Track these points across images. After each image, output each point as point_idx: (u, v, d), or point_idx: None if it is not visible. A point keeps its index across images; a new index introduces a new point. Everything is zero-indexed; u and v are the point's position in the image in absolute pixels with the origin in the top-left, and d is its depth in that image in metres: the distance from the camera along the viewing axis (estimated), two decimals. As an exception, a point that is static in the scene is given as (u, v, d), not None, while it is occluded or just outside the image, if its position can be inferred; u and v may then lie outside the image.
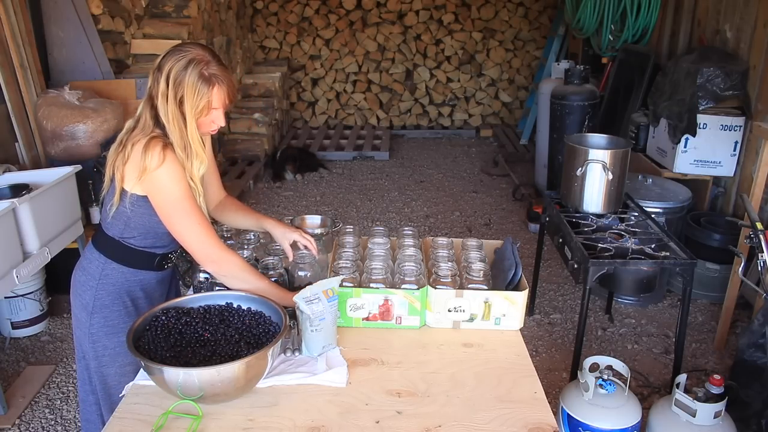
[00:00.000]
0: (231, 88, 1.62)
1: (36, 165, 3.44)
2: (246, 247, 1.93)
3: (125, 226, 1.69)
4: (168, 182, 1.58)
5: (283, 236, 1.89)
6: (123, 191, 1.63)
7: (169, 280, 1.90)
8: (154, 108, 1.60)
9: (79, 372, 1.84)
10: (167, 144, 1.58)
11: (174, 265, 1.85)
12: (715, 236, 3.50)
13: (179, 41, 4.60)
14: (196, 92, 1.55)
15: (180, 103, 1.57)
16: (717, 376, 2.11)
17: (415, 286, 1.76)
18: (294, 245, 1.89)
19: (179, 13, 4.99)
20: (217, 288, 1.73)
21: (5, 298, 3.14)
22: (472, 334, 1.76)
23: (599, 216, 2.89)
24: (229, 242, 1.99)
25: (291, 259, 1.88)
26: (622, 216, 2.93)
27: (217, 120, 1.65)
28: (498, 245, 2.08)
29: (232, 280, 1.66)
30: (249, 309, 1.61)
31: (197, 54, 1.57)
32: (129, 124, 1.64)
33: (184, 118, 1.58)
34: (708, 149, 3.73)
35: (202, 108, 1.58)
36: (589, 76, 4.58)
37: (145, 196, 1.62)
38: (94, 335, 1.74)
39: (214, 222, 1.90)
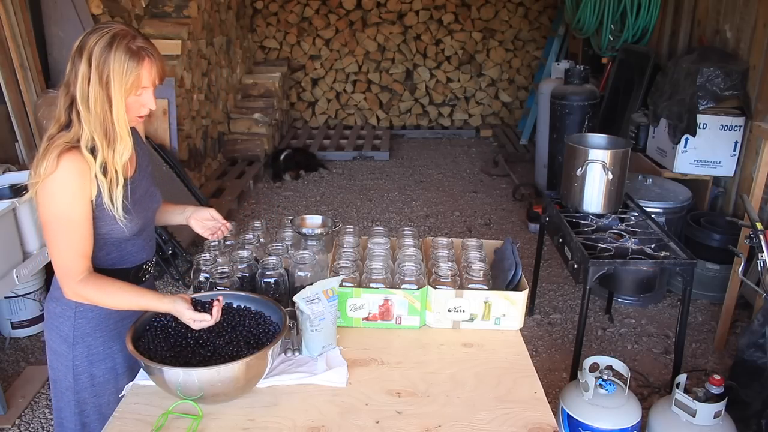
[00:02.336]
0: (161, 63, 1.49)
1: (36, 165, 3.44)
2: (246, 247, 1.93)
3: None
4: (54, 193, 1.42)
5: (200, 211, 1.82)
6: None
7: (152, 288, 1.77)
8: (69, 95, 1.46)
9: (58, 409, 1.69)
10: (68, 149, 1.42)
11: (174, 266, 1.81)
12: (715, 236, 3.50)
13: (178, 41, 4.61)
14: (124, 69, 1.41)
15: (106, 85, 1.42)
16: (717, 376, 2.11)
17: (415, 286, 1.76)
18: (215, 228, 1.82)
19: (179, 13, 4.99)
20: (217, 288, 1.72)
21: (5, 298, 3.14)
22: (472, 334, 1.76)
23: (599, 216, 2.89)
24: (228, 242, 1.99)
25: (219, 229, 1.81)
26: (622, 216, 2.93)
27: (147, 102, 1.51)
28: (498, 245, 2.08)
29: (101, 304, 1.52)
30: (249, 309, 1.61)
31: (120, 29, 1.44)
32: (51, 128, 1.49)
33: (110, 101, 1.43)
34: (708, 149, 3.73)
35: (131, 85, 1.44)
36: (589, 76, 4.58)
37: None
38: (78, 367, 1.62)
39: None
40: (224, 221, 1.84)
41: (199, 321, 1.48)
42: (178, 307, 1.48)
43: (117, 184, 1.49)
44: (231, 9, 6.30)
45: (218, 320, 1.51)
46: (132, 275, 1.64)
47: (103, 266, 1.57)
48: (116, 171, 1.48)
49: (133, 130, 1.62)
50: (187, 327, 1.52)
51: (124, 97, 1.45)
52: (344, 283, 1.76)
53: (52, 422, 2.67)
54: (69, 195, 1.43)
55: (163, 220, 1.87)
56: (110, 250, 1.58)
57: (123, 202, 1.51)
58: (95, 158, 1.45)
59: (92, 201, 1.47)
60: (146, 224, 1.65)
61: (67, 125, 1.47)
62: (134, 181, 1.58)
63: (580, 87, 4.43)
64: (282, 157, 5.97)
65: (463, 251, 1.99)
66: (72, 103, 1.46)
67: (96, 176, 1.45)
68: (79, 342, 1.61)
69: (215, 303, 1.51)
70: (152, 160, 1.76)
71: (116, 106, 1.44)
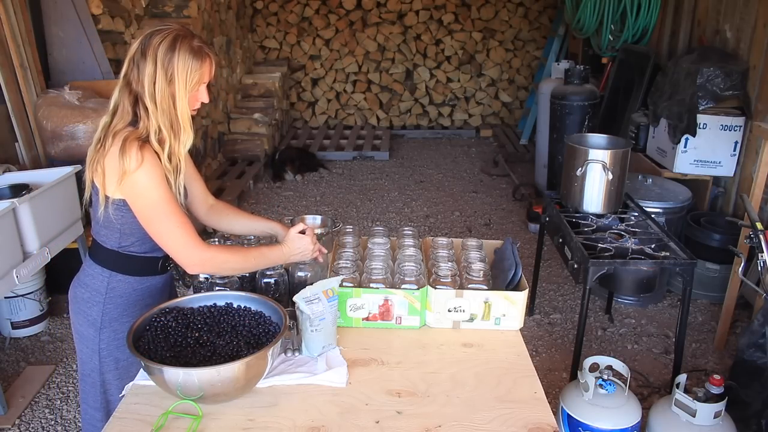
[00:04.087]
0: (217, 60, 1.62)
1: (36, 165, 3.44)
2: (246, 247, 1.93)
3: (120, 234, 1.64)
4: (148, 184, 1.53)
5: (290, 230, 1.82)
6: (107, 198, 1.57)
7: (171, 281, 1.87)
8: (133, 94, 1.55)
9: (84, 390, 1.78)
10: (144, 143, 1.53)
11: (174, 266, 1.83)
12: (715, 236, 3.50)
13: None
14: (189, 67, 1.53)
15: (170, 82, 1.53)
16: (717, 376, 2.11)
17: (415, 286, 1.76)
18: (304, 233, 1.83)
19: (179, 13, 4.99)
20: (217, 288, 1.73)
21: (5, 298, 3.14)
22: (472, 334, 1.76)
23: (599, 216, 2.89)
24: (228, 242, 1.99)
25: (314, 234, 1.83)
26: (622, 216, 2.93)
27: (202, 96, 1.63)
28: (498, 245, 2.08)
29: (222, 273, 1.69)
30: (249, 309, 1.61)
31: (180, 30, 1.54)
32: (104, 120, 1.59)
33: (174, 98, 1.54)
34: (708, 149, 3.73)
35: (195, 83, 1.56)
36: (589, 76, 4.58)
37: None
38: (104, 350, 1.70)
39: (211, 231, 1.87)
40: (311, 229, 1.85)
41: (317, 252, 1.77)
42: (294, 246, 1.72)
43: (180, 172, 1.61)
44: (231, 9, 6.30)
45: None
46: (161, 264, 1.74)
47: (138, 252, 1.67)
48: (180, 160, 1.60)
49: None
50: (187, 327, 1.53)
51: (187, 93, 1.55)
52: (344, 283, 1.76)
53: (53, 422, 2.68)
54: (160, 181, 1.54)
55: (244, 230, 1.93)
56: (146, 240, 1.65)
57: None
58: (163, 149, 1.56)
59: None
60: None
61: (134, 121, 1.56)
62: None
63: (580, 87, 4.43)
64: (277, 155, 5.97)
65: (463, 251, 1.99)
66: (137, 100, 1.55)
67: (164, 165, 1.56)
68: (106, 326, 1.68)
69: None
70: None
71: (180, 102, 1.55)
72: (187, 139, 1.60)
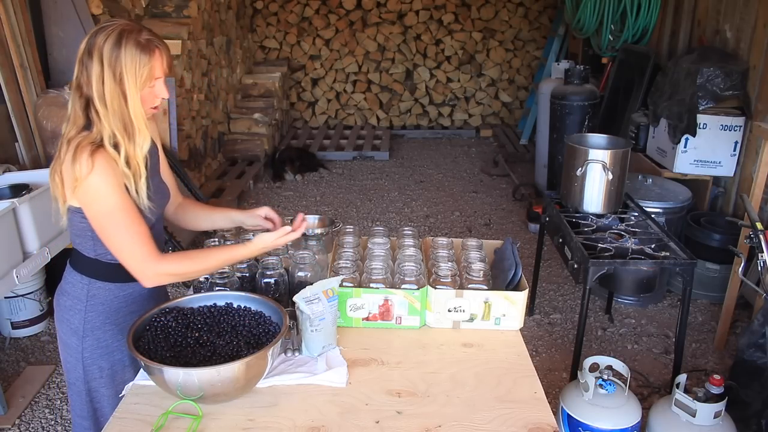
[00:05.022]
0: (168, 52, 1.53)
1: (36, 165, 3.44)
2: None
3: (93, 242, 1.58)
4: (99, 191, 1.46)
5: (253, 216, 1.83)
6: (69, 208, 1.54)
7: (161, 287, 1.78)
8: (84, 98, 1.48)
9: (72, 399, 1.74)
10: (96, 148, 1.46)
11: None
12: (715, 236, 3.50)
13: (178, 41, 4.61)
14: (137, 63, 1.45)
15: (120, 81, 1.45)
16: (717, 376, 2.11)
17: (415, 286, 1.76)
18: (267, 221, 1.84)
19: (179, 13, 4.99)
20: (217, 288, 1.72)
21: (5, 298, 3.14)
22: (472, 334, 1.76)
23: (599, 216, 2.89)
24: (228, 243, 1.99)
25: (277, 226, 1.80)
26: (622, 216, 2.93)
27: (159, 92, 1.54)
28: (498, 245, 2.07)
29: (182, 280, 1.62)
30: (249, 309, 1.61)
31: (125, 25, 1.47)
32: (63, 127, 1.53)
33: (125, 97, 1.47)
34: (708, 149, 3.73)
35: (145, 78, 1.47)
36: (589, 76, 4.58)
37: None
38: (87, 359, 1.66)
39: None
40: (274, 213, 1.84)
41: (283, 236, 1.63)
42: (260, 241, 1.63)
43: (140, 177, 1.53)
44: (231, 9, 6.30)
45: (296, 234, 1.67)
46: None
47: (114, 260, 1.59)
48: (138, 163, 1.52)
49: None
50: (187, 327, 1.53)
51: (138, 90, 1.48)
52: (344, 283, 1.76)
53: (53, 422, 2.67)
54: (113, 188, 1.47)
55: (208, 225, 1.90)
56: None
57: (147, 193, 1.54)
58: (119, 153, 1.49)
59: None
60: (158, 219, 1.67)
61: (87, 126, 1.50)
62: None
63: (580, 87, 4.43)
64: (277, 155, 5.97)
65: (463, 251, 1.99)
66: (88, 104, 1.49)
67: (122, 171, 1.49)
68: (88, 335, 1.65)
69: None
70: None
71: (132, 101, 1.48)
72: (143, 140, 1.52)
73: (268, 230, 1.77)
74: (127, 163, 1.50)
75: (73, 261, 1.67)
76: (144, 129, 1.52)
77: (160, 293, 1.83)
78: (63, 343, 1.70)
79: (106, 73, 1.44)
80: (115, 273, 1.62)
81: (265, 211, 1.84)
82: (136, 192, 1.52)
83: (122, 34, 1.44)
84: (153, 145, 1.71)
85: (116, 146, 1.49)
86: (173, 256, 1.60)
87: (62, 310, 1.68)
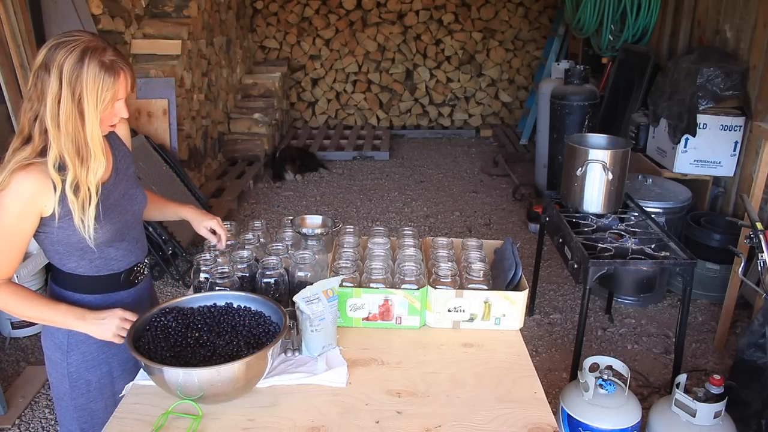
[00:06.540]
0: (132, 74, 1.43)
1: (36, 165, 3.43)
2: (246, 247, 1.93)
3: (59, 255, 1.53)
4: (2, 208, 1.37)
5: (200, 224, 1.82)
6: None
7: (148, 294, 1.76)
8: (34, 110, 1.37)
9: (60, 414, 1.69)
10: (25, 166, 1.37)
11: (175, 266, 1.80)
12: (715, 236, 3.50)
13: (178, 41, 4.61)
14: (99, 85, 1.35)
15: (78, 102, 1.35)
16: (717, 376, 2.11)
17: (415, 286, 1.76)
18: (214, 233, 1.83)
19: (179, 13, 4.99)
20: (217, 288, 1.72)
21: (5, 298, 3.14)
22: (472, 334, 1.76)
23: (599, 216, 2.89)
24: (229, 242, 1.99)
25: (217, 245, 1.83)
26: (622, 216, 2.93)
27: (119, 112, 1.45)
28: (498, 245, 2.08)
29: (7, 309, 1.51)
30: (249, 309, 1.61)
31: (89, 41, 1.35)
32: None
33: (83, 119, 1.36)
34: (708, 149, 3.73)
35: (108, 102, 1.38)
36: (589, 76, 4.58)
37: (44, 217, 1.44)
38: (73, 374, 1.61)
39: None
40: (223, 228, 1.84)
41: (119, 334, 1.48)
42: (84, 326, 1.49)
43: (90, 203, 1.43)
44: (231, 9, 6.30)
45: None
46: (123, 279, 1.62)
47: (89, 273, 1.56)
48: (90, 189, 1.42)
49: (111, 133, 1.58)
50: (187, 327, 1.53)
51: (99, 114, 1.38)
52: (344, 283, 1.76)
53: (53, 422, 2.67)
54: (13, 213, 1.39)
55: (159, 216, 1.87)
56: (92, 257, 1.54)
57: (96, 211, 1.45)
58: (66, 176, 1.39)
59: (56, 213, 1.43)
60: (125, 228, 1.59)
61: (28, 139, 1.40)
62: (107, 186, 1.53)
63: (580, 87, 4.43)
64: (277, 155, 5.97)
65: (463, 251, 1.99)
66: (36, 118, 1.38)
67: (66, 195, 1.40)
68: (73, 349, 1.60)
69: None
70: (153, 161, 1.76)
71: (90, 124, 1.38)
72: (97, 166, 1.41)
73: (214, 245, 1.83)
74: (75, 189, 1.41)
75: (53, 275, 1.62)
76: (100, 154, 1.41)
77: (154, 299, 1.81)
78: (48, 359, 1.65)
79: (64, 92, 1.33)
80: (91, 285, 1.58)
81: (212, 224, 1.82)
82: (81, 219, 1.43)
83: (85, 51, 1.34)
84: (125, 151, 1.65)
85: (62, 168, 1.39)
86: (10, 289, 1.48)
87: (46, 326, 1.61)
